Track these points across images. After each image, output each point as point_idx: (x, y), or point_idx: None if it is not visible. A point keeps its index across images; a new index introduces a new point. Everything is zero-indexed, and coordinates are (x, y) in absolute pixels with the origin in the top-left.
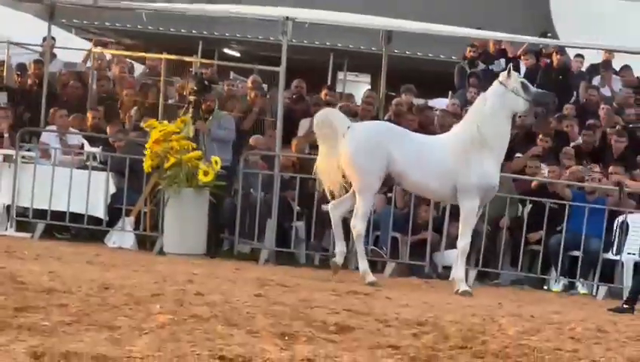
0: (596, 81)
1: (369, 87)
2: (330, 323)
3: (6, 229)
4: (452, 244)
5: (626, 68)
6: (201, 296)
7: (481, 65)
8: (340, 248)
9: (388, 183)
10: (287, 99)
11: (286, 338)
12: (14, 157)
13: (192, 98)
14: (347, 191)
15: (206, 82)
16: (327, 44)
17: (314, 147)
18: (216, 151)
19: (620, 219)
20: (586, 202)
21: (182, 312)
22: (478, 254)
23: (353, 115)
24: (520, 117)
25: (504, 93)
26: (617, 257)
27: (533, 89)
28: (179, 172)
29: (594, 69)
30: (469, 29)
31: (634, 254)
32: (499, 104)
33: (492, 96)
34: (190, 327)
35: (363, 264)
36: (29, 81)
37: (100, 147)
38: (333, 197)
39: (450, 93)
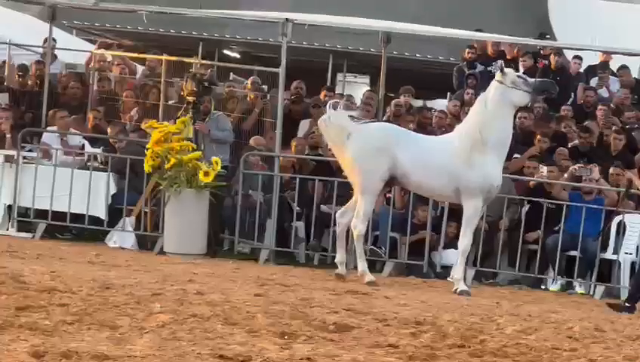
0: (594, 82)
1: (368, 88)
2: (329, 322)
3: (7, 229)
4: (450, 244)
5: (624, 68)
6: (202, 295)
7: (480, 67)
8: (340, 258)
9: (391, 184)
10: (287, 101)
11: (285, 337)
12: (16, 157)
13: (190, 99)
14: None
15: (206, 83)
16: (327, 45)
17: (313, 148)
18: (215, 152)
19: (617, 219)
20: (583, 202)
21: (182, 311)
22: (477, 253)
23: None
24: (520, 118)
25: (504, 91)
26: (615, 257)
27: (531, 80)
28: (179, 172)
29: (591, 70)
30: (468, 30)
31: (631, 254)
32: (501, 102)
33: (493, 96)
34: (190, 326)
35: (362, 264)
36: (30, 82)
37: (101, 148)
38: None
39: (448, 94)
